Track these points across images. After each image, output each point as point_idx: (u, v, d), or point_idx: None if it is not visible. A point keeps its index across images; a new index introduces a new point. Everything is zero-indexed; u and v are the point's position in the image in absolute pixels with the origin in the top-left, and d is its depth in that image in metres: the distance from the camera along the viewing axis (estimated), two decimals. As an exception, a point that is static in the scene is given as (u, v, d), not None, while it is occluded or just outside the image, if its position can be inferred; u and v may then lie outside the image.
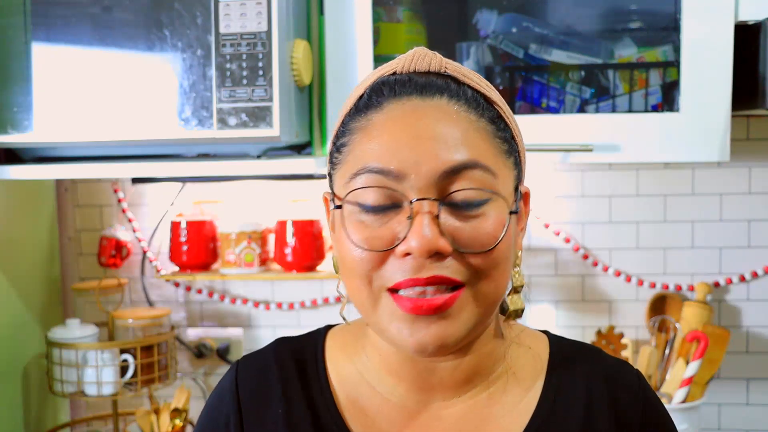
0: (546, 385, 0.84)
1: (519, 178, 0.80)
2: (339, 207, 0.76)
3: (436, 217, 0.72)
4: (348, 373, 0.85)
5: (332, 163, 0.81)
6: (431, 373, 0.81)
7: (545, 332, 0.90)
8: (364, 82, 0.81)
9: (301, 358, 0.87)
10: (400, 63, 0.80)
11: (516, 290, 0.84)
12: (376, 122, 0.76)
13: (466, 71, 0.80)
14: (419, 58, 0.79)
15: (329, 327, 0.91)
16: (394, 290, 0.74)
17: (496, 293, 0.76)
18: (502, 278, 0.76)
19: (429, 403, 0.82)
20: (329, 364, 0.86)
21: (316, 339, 0.89)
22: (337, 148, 0.80)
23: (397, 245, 0.73)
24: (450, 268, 0.72)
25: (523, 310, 0.86)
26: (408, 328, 0.73)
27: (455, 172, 0.73)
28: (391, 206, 0.74)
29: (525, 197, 0.82)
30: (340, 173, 0.78)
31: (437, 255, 0.72)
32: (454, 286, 0.73)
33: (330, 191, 0.82)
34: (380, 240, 0.73)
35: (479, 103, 0.77)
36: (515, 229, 0.78)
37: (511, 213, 0.75)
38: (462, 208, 0.73)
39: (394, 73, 0.79)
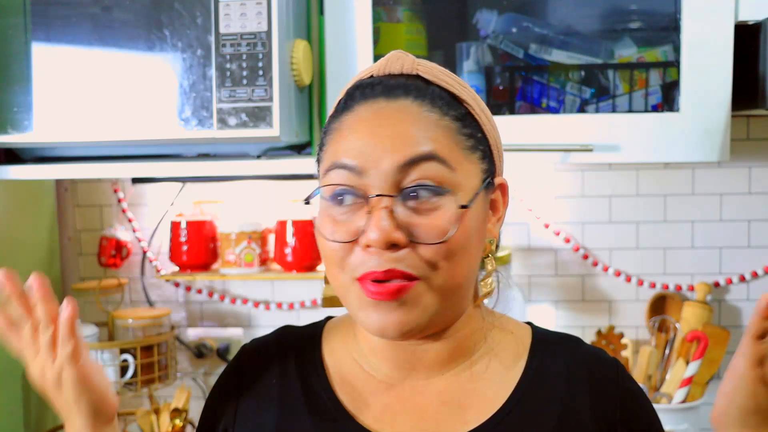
0: (528, 364, 0.89)
1: (490, 172, 0.86)
2: (307, 202, 0.85)
3: (393, 211, 0.78)
4: (340, 353, 0.92)
5: (317, 161, 0.89)
6: (412, 353, 0.87)
7: (529, 323, 0.96)
8: (346, 86, 0.88)
9: (300, 340, 0.95)
10: (377, 67, 0.87)
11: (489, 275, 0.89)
12: (346, 123, 0.83)
13: (439, 72, 0.86)
14: (393, 60, 0.86)
15: (330, 317, 0.99)
16: (359, 279, 0.81)
17: (453, 282, 0.81)
18: (458, 268, 0.81)
19: (412, 379, 0.88)
20: (325, 346, 0.94)
21: (317, 326, 0.97)
22: (320, 146, 0.88)
23: (359, 237, 0.79)
24: (404, 262, 0.78)
25: (490, 293, 0.90)
26: (373, 312, 0.80)
27: (411, 164, 0.79)
28: (355, 200, 0.81)
29: (502, 189, 0.88)
30: (321, 169, 0.86)
31: (394, 246, 0.78)
32: (410, 278, 0.79)
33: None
34: (345, 232, 0.80)
35: (445, 101, 0.83)
36: (477, 220, 0.83)
37: (461, 207, 0.80)
38: (419, 201, 0.79)
39: (372, 77, 0.86)
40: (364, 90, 0.84)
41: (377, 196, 0.78)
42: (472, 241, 0.82)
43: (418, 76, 0.85)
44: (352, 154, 0.80)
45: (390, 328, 0.80)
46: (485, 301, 0.91)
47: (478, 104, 0.86)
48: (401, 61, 0.85)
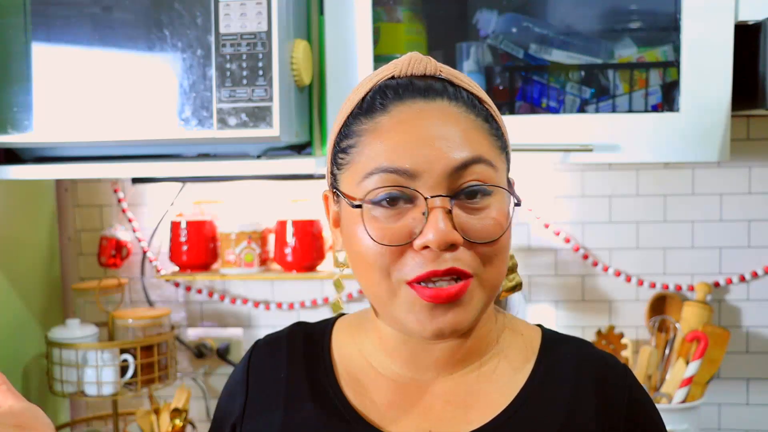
0: (536, 367, 0.89)
1: (508, 171, 0.88)
2: (359, 206, 0.81)
3: (449, 211, 0.78)
4: (349, 351, 0.93)
5: (337, 164, 0.85)
6: (427, 354, 0.87)
7: (539, 326, 0.96)
8: (363, 86, 0.85)
9: (310, 337, 0.96)
10: (397, 67, 0.84)
11: (511, 270, 0.98)
12: (384, 124, 0.81)
13: (458, 74, 0.86)
14: (416, 62, 0.84)
15: (341, 314, 1.00)
16: (413, 282, 0.79)
17: (498, 279, 0.83)
18: (503, 265, 0.83)
19: (420, 379, 0.88)
20: (334, 343, 0.94)
21: (327, 323, 0.98)
22: (342, 149, 0.84)
23: (413, 239, 0.79)
24: (461, 261, 0.79)
25: (521, 284, 0.99)
26: (428, 316, 0.80)
27: (463, 168, 0.79)
28: (404, 203, 0.80)
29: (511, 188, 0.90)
30: (349, 173, 0.83)
31: (452, 246, 0.78)
32: (466, 276, 0.80)
33: (332, 190, 0.87)
34: (397, 235, 0.79)
35: (474, 104, 0.84)
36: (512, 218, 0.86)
37: (516, 204, 0.83)
38: (470, 202, 0.80)
39: (393, 77, 0.84)
40: (396, 90, 0.82)
41: (434, 197, 0.78)
42: (510, 239, 0.84)
43: (442, 78, 0.84)
44: (400, 157, 0.79)
45: (446, 330, 0.80)
46: None
47: (494, 106, 0.87)
48: (424, 63, 0.84)
